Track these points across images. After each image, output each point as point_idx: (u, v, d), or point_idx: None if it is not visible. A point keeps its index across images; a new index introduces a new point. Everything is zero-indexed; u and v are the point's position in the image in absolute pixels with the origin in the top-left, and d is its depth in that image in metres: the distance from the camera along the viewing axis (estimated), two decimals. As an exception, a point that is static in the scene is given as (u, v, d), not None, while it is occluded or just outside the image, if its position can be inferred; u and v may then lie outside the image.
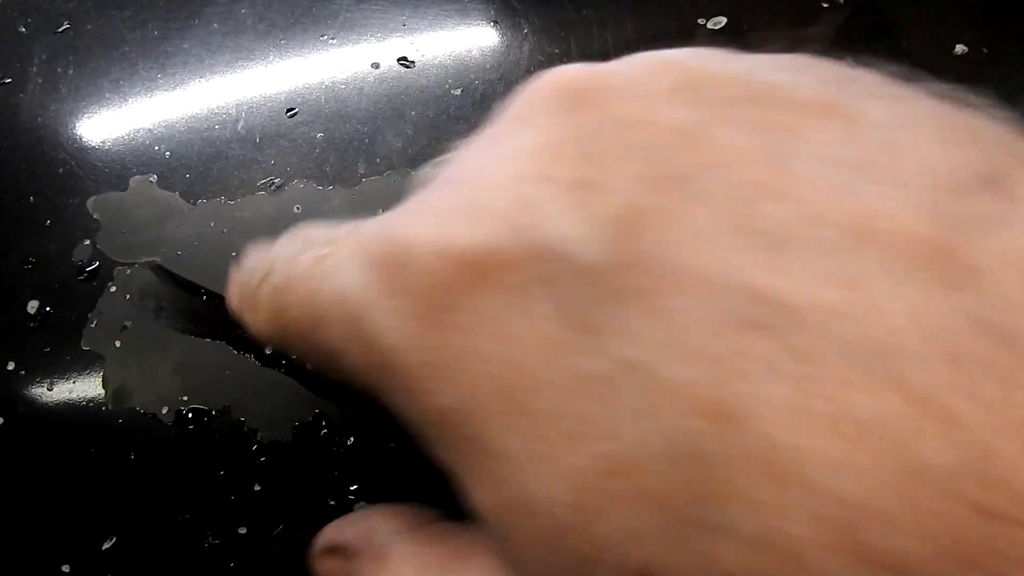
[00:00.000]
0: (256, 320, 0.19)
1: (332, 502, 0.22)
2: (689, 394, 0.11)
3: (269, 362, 0.24)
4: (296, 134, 0.27)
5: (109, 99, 0.29)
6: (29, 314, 0.25)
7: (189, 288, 0.25)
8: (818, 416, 0.10)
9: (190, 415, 0.24)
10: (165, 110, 0.29)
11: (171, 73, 0.29)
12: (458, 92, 0.28)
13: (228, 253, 0.25)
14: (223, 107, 0.28)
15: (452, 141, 0.25)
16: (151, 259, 0.26)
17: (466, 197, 0.14)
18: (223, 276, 0.25)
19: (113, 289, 0.25)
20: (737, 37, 0.28)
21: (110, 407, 0.24)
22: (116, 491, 0.23)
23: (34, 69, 0.30)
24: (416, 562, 0.17)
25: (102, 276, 0.26)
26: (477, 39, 0.29)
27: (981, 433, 0.10)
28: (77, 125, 0.29)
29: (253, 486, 0.23)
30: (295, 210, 0.26)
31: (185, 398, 0.24)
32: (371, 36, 0.29)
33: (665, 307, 0.12)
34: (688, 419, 0.11)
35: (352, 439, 0.23)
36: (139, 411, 0.24)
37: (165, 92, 0.29)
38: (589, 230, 0.12)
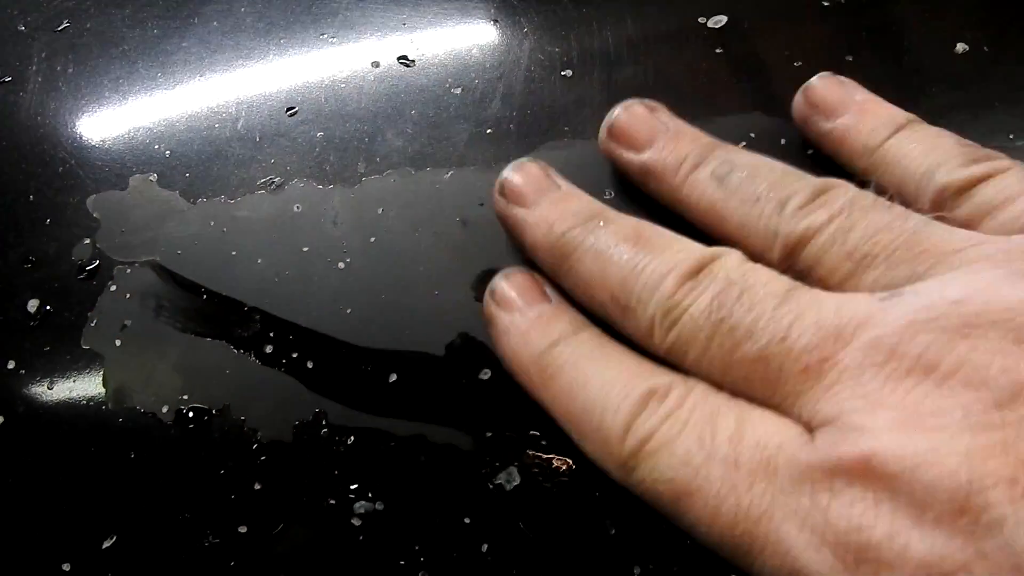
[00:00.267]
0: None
1: (332, 501, 0.22)
2: None
3: (269, 361, 0.24)
4: (296, 133, 0.27)
5: (109, 98, 0.29)
6: (29, 313, 0.25)
7: (189, 287, 0.25)
8: None
9: (190, 414, 0.24)
10: (165, 109, 0.29)
11: (171, 72, 0.29)
12: (458, 91, 0.28)
13: (228, 252, 0.25)
14: (223, 106, 0.28)
15: (453, 140, 0.25)
16: (151, 258, 0.26)
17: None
18: (223, 275, 0.25)
19: (113, 288, 0.25)
20: (737, 36, 0.28)
21: (110, 406, 0.24)
22: (116, 490, 0.23)
23: (34, 68, 0.30)
24: None
25: (102, 275, 0.26)
26: (477, 37, 0.29)
27: None
28: (77, 124, 0.29)
29: (253, 485, 0.23)
30: (295, 209, 0.26)
31: (185, 397, 0.24)
32: (371, 35, 0.29)
33: None
34: None
35: (352, 438, 0.23)
36: (139, 410, 0.24)
37: (165, 91, 0.29)
38: None
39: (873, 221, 0.19)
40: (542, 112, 0.27)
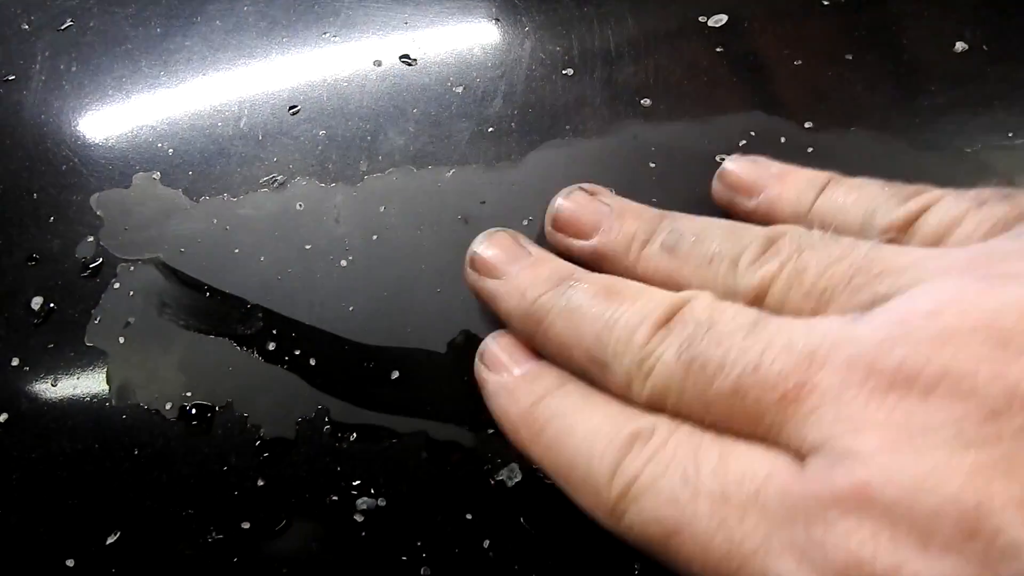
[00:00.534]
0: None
1: (335, 497, 0.22)
2: None
3: (272, 358, 0.24)
4: (298, 131, 0.27)
5: (112, 96, 0.29)
6: (33, 310, 0.26)
7: (192, 285, 0.25)
8: None
9: (193, 411, 0.24)
10: (168, 107, 0.29)
11: (174, 70, 0.29)
12: (460, 89, 0.28)
13: (231, 250, 0.26)
14: (226, 104, 0.28)
15: (454, 138, 0.25)
16: (154, 256, 0.26)
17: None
18: (226, 273, 0.25)
19: (116, 286, 0.26)
20: (738, 35, 0.28)
21: (114, 403, 0.24)
22: (120, 486, 0.23)
23: (37, 66, 0.30)
24: None
25: (105, 273, 0.26)
26: (479, 36, 0.29)
27: None
28: (80, 122, 0.29)
29: (256, 481, 0.23)
30: (297, 207, 0.26)
31: (188, 394, 0.24)
32: (373, 33, 0.29)
33: None
34: None
35: (354, 435, 0.23)
36: (142, 407, 0.24)
37: (168, 89, 0.29)
38: None
39: (823, 256, 0.19)
40: (543, 111, 0.27)
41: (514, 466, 0.22)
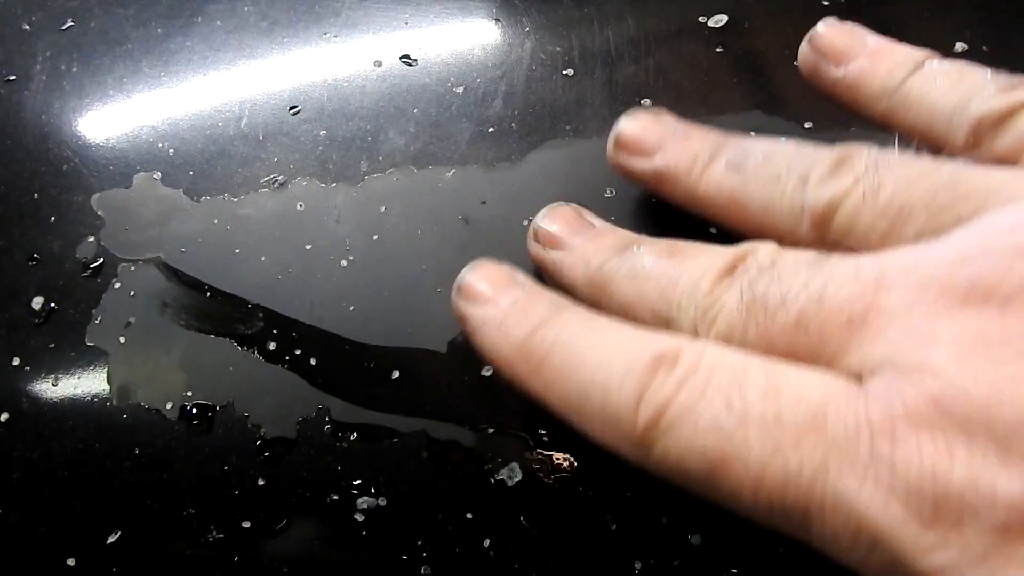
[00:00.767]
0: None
1: (335, 497, 0.22)
2: None
3: (273, 358, 0.24)
4: (299, 132, 0.28)
5: (113, 96, 0.29)
6: (34, 310, 0.26)
7: (193, 285, 0.25)
8: None
9: (194, 410, 0.24)
10: (168, 107, 0.29)
11: (174, 71, 0.29)
12: (460, 90, 0.28)
13: (231, 250, 0.26)
14: (226, 104, 0.28)
15: (455, 139, 0.25)
16: (155, 256, 0.26)
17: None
18: (226, 273, 0.25)
19: (117, 286, 0.26)
20: (738, 35, 0.28)
21: (114, 403, 0.24)
22: (120, 486, 0.23)
23: (38, 66, 0.30)
24: None
25: (106, 273, 0.26)
26: (479, 37, 0.29)
27: None
28: (81, 122, 0.29)
29: (257, 481, 0.23)
30: (298, 207, 0.26)
31: (189, 393, 0.24)
32: (373, 34, 0.29)
33: None
34: None
35: (355, 434, 0.23)
36: (143, 407, 0.24)
37: (168, 89, 0.29)
38: None
39: (904, 174, 0.18)
40: (544, 111, 0.27)
41: (514, 466, 0.22)
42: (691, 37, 0.28)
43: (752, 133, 0.25)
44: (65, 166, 0.28)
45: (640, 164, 0.23)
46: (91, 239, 0.26)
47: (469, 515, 0.22)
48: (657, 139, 0.22)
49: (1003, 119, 0.19)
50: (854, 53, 0.22)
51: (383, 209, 0.26)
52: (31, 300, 0.26)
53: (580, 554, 0.22)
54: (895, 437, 0.15)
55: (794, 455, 0.15)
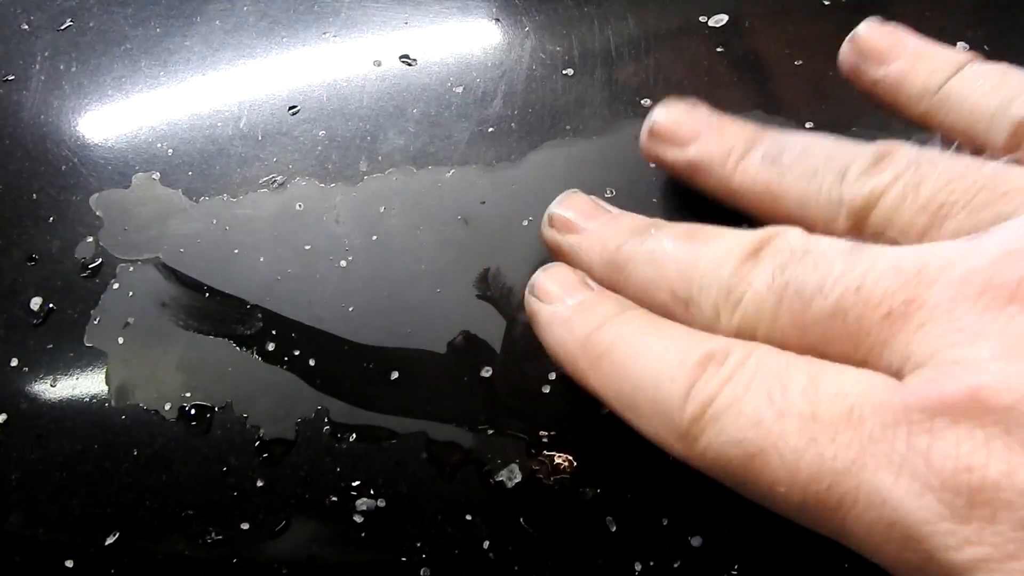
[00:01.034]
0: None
1: (334, 498, 0.22)
2: None
3: (272, 359, 0.24)
4: (298, 131, 0.27)
5: (112, 96, 0.29)
6: (32, 311, 0.26)
7: (192, 285, 0.25)
8: None
9: (193, 411, 0.24)
10: (167, 107, 0.29)
11: (173, 70, 0.29)
12: (460, 89, 0.28)
13: (230, 250, 0.26)
14: (225, 104, 0.28)
15: (454, 138, 0.25)
16: (154, 256, 0.26)
17: None
18: (225, 273, 0.25)
19: (116, 286, 0.26)
20: (739, 35, 0.28)
21: (113, 403, 0.24)
22: (119, 487, 0.23)
23: (37, 66, 0.30)
24: None
25: (105, 273, 0.26)
26: (479, 36, 0.29)
27: None
28: (80, 122, 0.29)
29: (256, 482, 0.23)
30: (297, 207, 0.26)
31: (188, 394, 0.24)
32: (373, 33, 0.29)
33: None
34: None
35: (354, 435, 0.23)
36: (142, 407, 0.24)
37: (167, 89, 0.29)
38: None
39: (945, 171, 0.18)
40: (544, 111, 0.27)
41: (514, 467, 0.22)
42: (692, 37, 0.28)
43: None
44: (64, 166, 0.28)
45: (674, 154, 0.23)
46: (90, 239, 0.26)
47: (468, 516, 0.22)
48: (692, 129, 0.22)
49: None
50: (896, 54, 0.22)
51: (382, 209, 0.26)
52: (30, 300, 0.26)
53: (580, 556, 0.21)
54: (932, 432, 0.15)
55: (829, 449, 0.15)
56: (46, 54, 0.30)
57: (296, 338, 0.24)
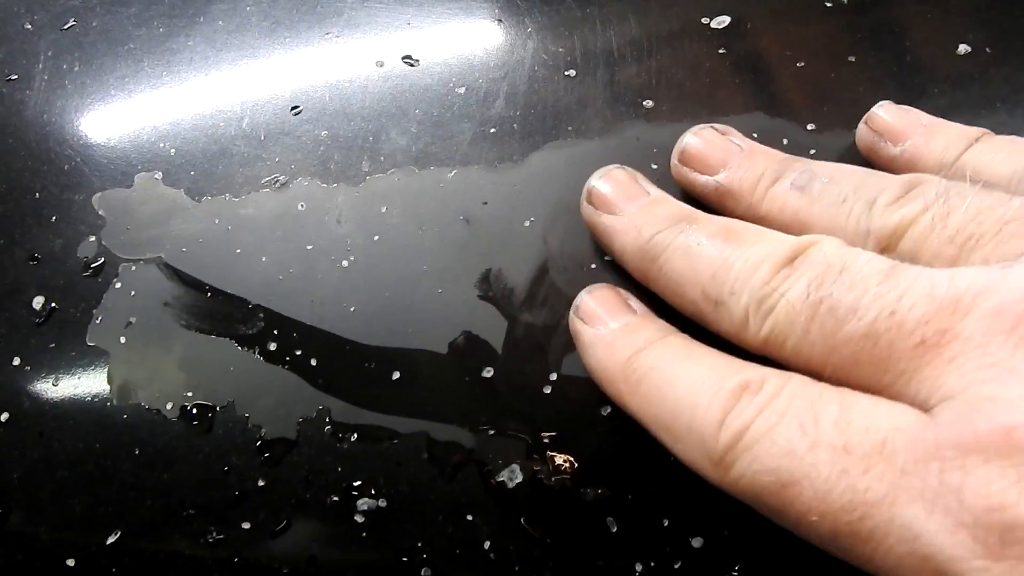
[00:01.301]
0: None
1: (335, 498, 0.22)
2: None
3: (273, 358, 0.24)
4: (300, 132, 0.27)
5: (114, 96, 0.29)
6: (35, 310, 0.26)
7: (194, 285, 0.25)
8: None
9: (194, 411, 0.24)
10: (170, 107, 0.29)
11: (176, 70, 0.29)
12: (462, 90, 0.28)
13: (233, 250, 0.26)
14: (228, 104, 0.28)
15: (456, 139, 0.25)
16: (156, 255, 0.26)
17: None
18: (227, 273, 0.25)
19: (118, 285, 0.26)
20: (741, 36, 0.28)
21: (115, 402, 0.24)
22: (120, 486, 0.23)
23: (40, 66, 0.30)
24: None
25: (107, 272, 0.26)
26: (481, 37, 0.29)
27: None
28: (82, 122, 0.29)
29: (257, 481, 0.23)
30: (299, 207, 0.26)
31: (189, 394, 0.24)
32: (375, 34, 0.29)
33: None
34: None
35: (355, 435, 0.23)
36: (144, 407, 0.24)
37: (170, 89, 0.29)
38: None
39: (973, 203, 0.18)
40: (546, 112, 0.27)
41: (515, 467, 0.22)
42: (694, 38, 0.28)
43: (755, 135, 0.25)
44: (67, 165, 0.28)
45: (703, 180, 0.23)
46: (92, 239, 0.26)
47: (469, 516, 0.22)
48: (722, 156, 0.23)
49: None
50: (910, 131, 0.23)
51: (384, 209, 0.26)
52: (32, 300, 0.26)
53: (581, 556, 0.21)
54: (965, 469, 0.15)
55: (861, 481, 0.16)
56: (49, 53, 0.30)
57: (298, 338, 0.24)
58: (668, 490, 0.22)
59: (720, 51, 0.27)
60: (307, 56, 0.29)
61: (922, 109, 0.23)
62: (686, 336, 0.20)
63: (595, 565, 0.21)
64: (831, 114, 0.26)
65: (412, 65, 0.28)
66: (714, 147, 0.23)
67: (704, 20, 0.28)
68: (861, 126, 0.24)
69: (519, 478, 0.22)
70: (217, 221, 0.26)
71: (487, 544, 0.22)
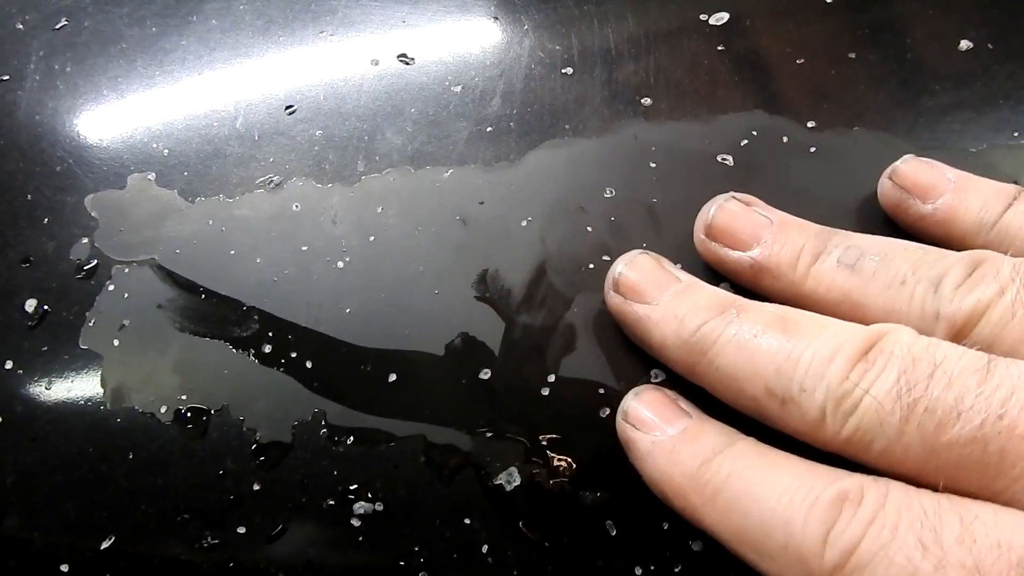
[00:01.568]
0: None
1: (331, 502, 0.22)
2: None
3: (268, 361, 0.24)
4: (295, 131, 0.27)
5: (107, 96, 0.29)
6: (27, 313, 0.25)
7: (188, 287, 0.25)
8: None
9: (188, 414, 0.23)
10: (163, 107, 0.28)
11: (169, 70, 0.29)
12: (458, 89, 0.27)
13: (227, 252, 0.25)
14: (221, 104, 0.28)
15: (452, 138, 0.25)
16: (149, 257, 0.26)
17: None
18: (222, 274, 0.25)
19: (111, 288, 0.25)
20: (739, 33, 0.27)
21: (108, 406, 0.24)
22: (114, 490, 0.23)
23: (32, 66, 0.30)
24: None
25: (100, 274, 0.26)
26: (477, 35, 0.29)
27: None
28: (75, 122, 0.29)
29: (252, 485, 0.23)
30: (294, 208, 0.26)
31: (183, 397, 0.24)
32: (370, 32, 0.29)
33: None
34: None
35: (351, 438, 0.23)
36: (137, 410, 0.24)
37: (163, 89, 0.29)
38: None
39: None
40: (543, 110, 0.27)
41: (513, 470, 0.22)
42: (692, 35, 0.27)
43: (754, 132, 0.25)
44: (59, 167, 0.28)
45: (735, 256, 0.22)
46: (85, 240, 0.26)
47: (467, 520, 0.22)
48: (753, 230, 0.22)
49: None
50: (941, 188, 0.22)
51: (380, 210, 0.26)
52: (24, 302, 0.25)
53: (580, 560, 0.21)
54: None
55: None
56: (41, 54, 0.30)
57: (293, 340, 0.24)
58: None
59: (719, 48, 0.27)
60: (301, 55, 0.29)
61: (924, 106, 0.23)
62: (754, 440, 0.19)
63: (594, 569, 0.21)
64: (831, 112, 0.25)
65: (407, 64, 0.28)
66: (743, 221, 0.22)
67: (702, 17, 0.28)
68: (885, 181, 0.23)
69: (517, 481, 0.22)
70: (211, 222, 0.26)
71: (485, 548, 0.22)
